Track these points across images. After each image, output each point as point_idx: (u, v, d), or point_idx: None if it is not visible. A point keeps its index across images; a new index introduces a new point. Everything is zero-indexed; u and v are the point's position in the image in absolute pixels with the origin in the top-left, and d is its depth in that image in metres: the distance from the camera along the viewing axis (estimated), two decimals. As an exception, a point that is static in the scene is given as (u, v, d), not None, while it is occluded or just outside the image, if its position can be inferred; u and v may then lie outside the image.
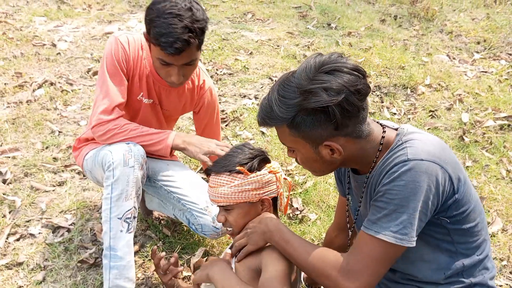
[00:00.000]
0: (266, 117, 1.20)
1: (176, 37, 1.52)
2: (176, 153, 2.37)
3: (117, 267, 1.66)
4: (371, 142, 1.24)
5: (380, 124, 1.30)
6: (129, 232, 1.69)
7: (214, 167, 1.52)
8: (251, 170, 1.48)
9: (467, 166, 2.75)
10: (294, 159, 1.35)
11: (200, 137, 1.81)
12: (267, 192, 1.51)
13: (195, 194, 1.90)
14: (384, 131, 1.25)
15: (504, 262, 2.08)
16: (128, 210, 1.67)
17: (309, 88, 1.11)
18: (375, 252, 1.15)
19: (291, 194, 2.19)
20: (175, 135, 1.77)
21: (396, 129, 1.28)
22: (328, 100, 1.10)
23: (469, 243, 1.24)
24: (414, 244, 1.14)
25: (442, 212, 1.17)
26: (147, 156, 1.83)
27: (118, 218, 1.66)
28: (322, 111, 1.12)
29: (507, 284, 1.97)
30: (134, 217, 1.71)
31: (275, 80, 3.65)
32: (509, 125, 3.20)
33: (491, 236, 2.23)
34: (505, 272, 2.04)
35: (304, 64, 1.16)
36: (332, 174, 1.67)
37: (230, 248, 1.56)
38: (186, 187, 1.91)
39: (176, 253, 1.75)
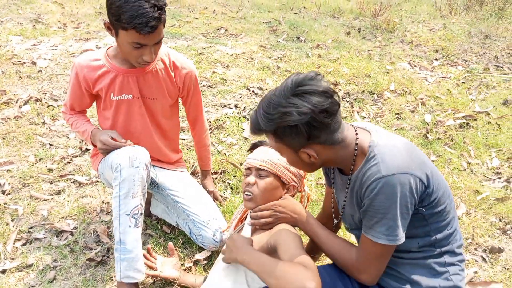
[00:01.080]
0: (255, 128, 1.45)
1: (149, 16, 1.67)
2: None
3: (127, 259, 1.82)
4: (345, 148, 1.48)
5: (354, 127, 1.53)
6: (137, 227, 1.86)
7: (267, 142, 1.81)
8: None
9: (432, 160, 3.04)
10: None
11: (100, 132, 2.04)
12: (297, 183, 1.78)
13: (199, 208, 2.13)
14: (357, 137, 1.48)
15: (469, 241, 2.34)
16: (135, 207, 1.85)
17: (284, 110, 1.36)
18: (375, 251, 1.45)
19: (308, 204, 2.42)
20: (91, 134, 2.06)
21: (369, 131, 1.51)
22: (297, 119, 1.34)
23: (441, 221, 1.49)
24: (403, 240, 1.42)
25: (418, 204, 1.43)
26: (158, 167, 2.13)
27: (127, 215, 1.83)
28: (295, 126, 1.36)
29: (472, 259, 2.24)
30: (141, 214, 1.88)
31: (252, 91, 3.88)
32: (467, 124, 3.53)
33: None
34: (471, 249, 2.31)
35: (284, 83, 1.40)
36: (316, 176, 1.90)
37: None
38: (191, 200, 2.14)
39: (171, 243, 2.01)
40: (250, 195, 1.72)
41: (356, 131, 1.51)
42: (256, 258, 1.46)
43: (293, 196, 1.82)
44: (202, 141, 2.44)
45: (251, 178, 1.73)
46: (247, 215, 1.90)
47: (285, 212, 1.70)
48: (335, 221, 1.86)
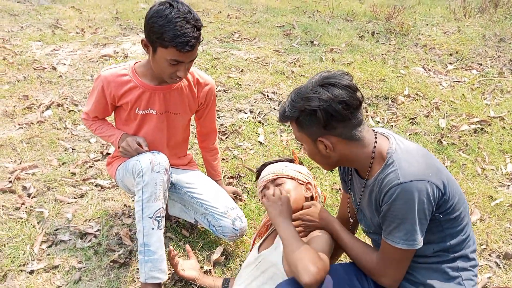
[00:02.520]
0: (281, 116, 1.58)
1: (190, 36, 1.80)
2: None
3: (151, 260, 1.90)
4: (362, 147, 1.54)
5: (374, 132, 1.59)
6: (160, 229, 1.95)
7: (268, 161, 1.96)
8: (300, 163, 1.96)
9: (447, 166, 3.07)
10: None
11: (131, 137, 2.12)
12: (310, 182, 1.89)
13: (216, 200, 2.21)
14: (376, 141, 1.55)
15: (483, 246, 2.38)
16: (158, 210, 1.94)
17: (307, 96, 1.47)
18: (395, 256, 1.51)
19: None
20: (120, 138, 2.13)
21: (387, 137, 1.57)
22: (316, 105, 1.45)
23: (455, 227, 1.54)
24: (421, 244, 1.48)
25: (435, 210, 1.48)
26: (173, 167, 2.20)
27: (150, 217, 1.92)
28: (314, 114, 1.46)
29: (486, 264, 2.27)
30: (163, 216, 1.97)
31: (267, 95, 3.94)
32: (482, 129, 3.55)
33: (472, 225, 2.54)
34: (485, 254, 2.34)
35: (313, 77, 1.53)
36: (331, 181, 1.96)
37: None
38: (208, 194, 2.22)
39: (188, 245, 2.08)
40: None
41: (375, 135, 1.58)
42: (288, 229, 1.59)
43: (313, 196, 1.91)
44: (214, 152, 2.51)
45: (272, 190, 1.79)
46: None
47: (313, 220, 1.79)
48: (351, 220, 1.93)
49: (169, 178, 2.05)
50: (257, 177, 1.98)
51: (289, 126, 3.36)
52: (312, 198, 1.94)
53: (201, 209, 2.20)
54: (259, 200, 1.94)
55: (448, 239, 1.55)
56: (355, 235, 1.96)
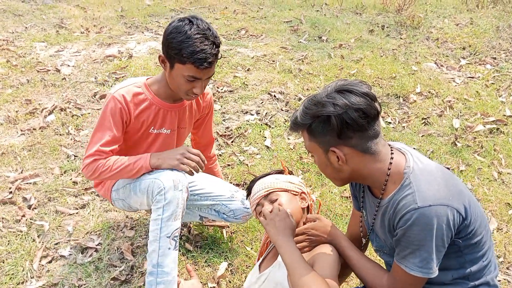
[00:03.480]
0: (293, 123, 1.47)
1: (209, 52, 1.76)
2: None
3: (164, 282, 1.83)
4: (377, 162, 1.43)
5: (391, 146, 1.48)
6: (175, 250, 1.88)
7: (257, 176, 1.87)
8: (289, 173, 1.88)
9: (461, 170, 2.95)
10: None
11: (168, 151, 1.97)
12: (304, 192, 1.81)
13: (218, 188, 2.20)
14: (392, 157, 1.43)
15: (501, 259, 2.26)
16: (176, 229, 1.87)
17: (322, 102, 1.37)
18: (407, 281, 1.41)
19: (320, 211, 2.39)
20: (150, 157, 1.93)
21: (404, 154, 1.46)
22: (331, 111, 1.35)
23: (476, 252, 1.43)
24: (436, 273, 1.37)
25: (455, 236, 1.37)
26: None
27: (167, 237, 1.85)
28: (329, 121, 1.35)
29: (504, 279, 2.16)
30: (179, 236, 1.91)
31: (274, 96, 3.84)
32: (497, 129, 3.41)
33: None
34: (502, 268, 2.23)
35: (328, 85, 1.43)
36: (340, 188, 1.86)
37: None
38: (209, 186, 2.21)
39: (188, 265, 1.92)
40: None
41: (392, 150, 1.46)
42: (291, 252, 1.48)
43: (310, 207, 1.83)
44: (214, 160, 2.45)
45: (267, 206, 1.71)
46: None
47: (319, 235, 1.67)
48: (363, 240, 1.82)
49: (188, 197, 1.97)
50: (248, 195, 1.88)
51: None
52: (308, 207, 1.84)
53: (207, 202, 2.16)
54: (255, 217, 1.84)
55: (468, 266, 1.44)
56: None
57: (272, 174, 1.89)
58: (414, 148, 3.14)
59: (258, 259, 1.91)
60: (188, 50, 1.75)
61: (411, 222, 1.32)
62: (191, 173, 1.91)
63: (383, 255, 1.64)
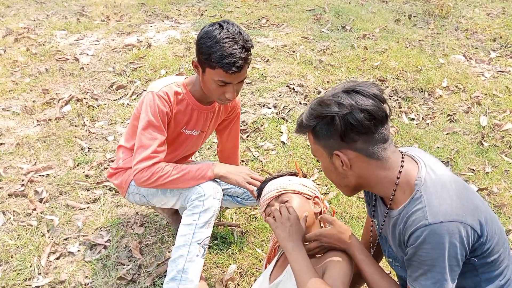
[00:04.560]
0: (298, 125, 1.41)
1: (237, 57, 1.73)
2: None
3: None
4: (385, 170, 1.33)
5: (402, 154, 1.37)
6: (203, 258, 1.85)
7: (269, 177, 1.82)
8: (304, 176, 1.81)
9: (487, 172, 2.80)
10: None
11: (234, 167, 1.98)
12: (318, 196, 1.73)
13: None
14: (402, 165, 1.33)
15: (527, 270, 2.13)
16: (207, 237, 1.86)
17: (326, 102, 1.30)
18: None
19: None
20: (214, 166, 1.93)
21: (416, 162, 1.35)
22: (335, 111, 1.27)
23: (493, 271, 1.32)
24: None
25: (470, 254, 1.27)
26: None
27: (198, 243, 1.82)
28: (332, 122, 1.28)
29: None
30: (208, 245, 1.90)
31: (293, 88, 3.73)
32: (528, 128, 3.23)
33: (513, 243, 2.29)
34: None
35: (336, 85, 1.35)
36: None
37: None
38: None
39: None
40: None
41: (403, 157, 1.36)
42: (301, 259, 1.42)
43: (321, 211, 1.74)
44: None
45: (277, 208, 1.63)
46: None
47: (331, 243, 1.58)
48: (372, 251, 1.73)
49: (221, 206, 1.96)
50: (259, 196, 1.81)
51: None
52: (321, 213, 1.75)
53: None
54: (264, 220, 1.77)
55: (484, 285, 1.33)
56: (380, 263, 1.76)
57: (285, 175, 1.81)
58: (437, 147, 3.01)
59: (266, 265, 1.84)
60: (217, 54, 1.72)
61: (421, 240, 1.23)
62: (253, 194, 1.90)
63: (395, 268, 1.54)
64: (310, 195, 1.72)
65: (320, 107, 1.31)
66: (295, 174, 1.84)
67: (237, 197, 2.17)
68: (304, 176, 1.86)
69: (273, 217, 1.57)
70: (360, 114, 1.25)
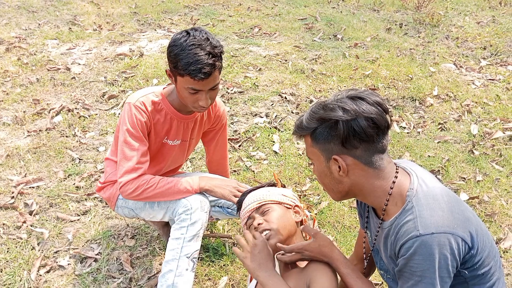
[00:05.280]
0: (297, 128, 1.40)
1: (204, 63, 1.71)
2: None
3: None
4: (380, 179, 1.33)
5: (396, 166, 1.38)
6: (192, 271, 1.83)
7: (248, 189, 1.80)
8: (283, 186, 1.81)
9: (478, 181, 2.81)
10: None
11: (219, 178, 1.98)
12: (298, 205, 1.73)
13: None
14: (396, 176, 1.33)
15: (518, 279, 2.14)
16: (196, 251, 1.84)
17: (330, 105, 1.30)
18: None
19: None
20: (199, 180, 1.92)
21: (409, 174, 1.35)
22: (339, 115, 1.27)
23: (483, 284, 1.32)
24: None
25: (460, 266, 1.27)
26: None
27: (187, 257, 1.81)
28: (335, 126, 1.28)
29: (521, 302, 2.04)
30: (198, 258, 1.88)
31: (285, 97, 3.74)
32: (518, 136, 3.25)
33: (504, 252, 2.30)
34: (519, 289, 2.10)
35: (339, 92, 1.36)
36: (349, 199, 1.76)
37: None
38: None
39: None
40: (267, 232, 1.60)
41: (397, 169, 1.37)
42: (276, 286, 1.38)
43: (303, 222, 1.73)
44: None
45: (259, 219, 1.64)
46: None
47: (314, 257, 1.57)
48: (365, 262, 1.72)
49: (211, 218, 1.96)
50: (238, 209, 1.80)
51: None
52: (302, 223, 1.74)
53: (210, 198, 2.07)
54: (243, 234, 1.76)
55: None
56: (371, 278, 1.76)
57: (264, 186, 1.81)
58: (428, 156, 3.02)
59: (251, 279, 1.82)
60: (183, 62, 1.71)
61: (412, 251, 1.23)
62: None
63: (387, 280, 1.53)
64: (290, 205, 1.72)
65: (323, 110, 1.31)
66: (274, 185, 1.83)
67: (227, 208, 2.15)
68: (283, 186, 1.86)
69: (240, 246, 1.52)
70: (364, 122, 1.26)
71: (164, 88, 1.99)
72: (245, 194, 1.79)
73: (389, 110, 3.60)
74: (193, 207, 1.84)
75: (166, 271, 1.80)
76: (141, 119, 1.87)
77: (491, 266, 1.33)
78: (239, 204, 1.77)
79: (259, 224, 1.62)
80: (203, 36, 1.75)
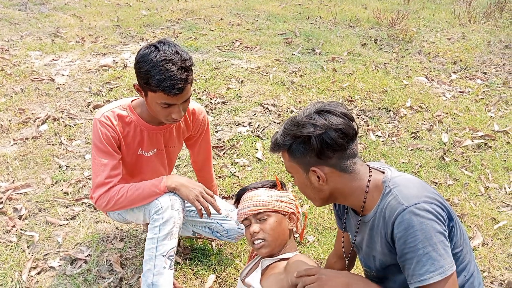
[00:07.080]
0: (273, 145, 1.52)
1: (177, 78, 1.72)
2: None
3: None
4: (356, 181, 1.46)
5: (369, 167, 1.52)
6: (171, 269, 1.88)
7: (251, 185, 1.85)
8: (282, 188, 1.86)
9: (449, 185, 3.00)
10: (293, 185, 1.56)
11: (187, 178, 1.98)
12: (293, 212, 1.81)
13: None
14: (370, 175, 1.47)
15: (485, 274, 2.30)
16: (172, 248, 1.88)
17: (301, 122, 1.42)
18: None
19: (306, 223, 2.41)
20: (165, 179, 1.93)
21: (382, 172, 1.50)
22: (311, 131, 1.39)
23: (457, 266, 1.41)
24: (454, 266, 1.31)
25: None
26: None
27: (163, 256, 1.85)
28: (309, 141, 1.40)
29: (488, 294, 2.20)
30: (174, 255, 1.92)
31: (267, 108, 3.87)
32: (485, 144, 3.46)
33: (474, 250, 2.46)
34: (486, 282, 2.26)
35: (307, 107, 1.48)
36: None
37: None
38: None
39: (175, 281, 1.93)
40: (261, 241, 1.72)
41: (370, 170, 1.51)
42: None
43: (295, 223, 1.83)
44: (214, 190, 2.50)
45: (255, 227, 1.73)
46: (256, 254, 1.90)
47: (329, 276, 1.48)
48: (347, 261, 1.85)
49: (184, 217, 1.97)
50: (237, 201, 1.86)
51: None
52: (296, 228, 1.86)
53: (202, 219, 2.15)
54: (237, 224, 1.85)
55: None
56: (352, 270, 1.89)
57: (265, 186, 1.85)
58: (402, 162, 3.20)
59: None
60: (155, 78, 1.71)
61: (406, 225, 1.30)
62: (200, 213, 1.92)
63: (371, 277, 1.60)
64: (286, 212, 1.79)
65: (296, 127, 1.42)
66: (274, 185, 1.90)
67: (217, 232, 2.19)
68: (283, 187, 1.93)
69: None
70: (334, 133, 1.38)
71: (133, 101, 2.01)
72: (245, 189, 1.85)
73: (365, 119, 3.80)
74: (163, 206, 1.86)
75: (145, 270, 1.86)
76: (106, 133, 1.89)
77: (463, 248, 1.45)
78: (238, 197, 1.85)
79: (254, 232, 1.72)
80: (172, 50, 1.75)
